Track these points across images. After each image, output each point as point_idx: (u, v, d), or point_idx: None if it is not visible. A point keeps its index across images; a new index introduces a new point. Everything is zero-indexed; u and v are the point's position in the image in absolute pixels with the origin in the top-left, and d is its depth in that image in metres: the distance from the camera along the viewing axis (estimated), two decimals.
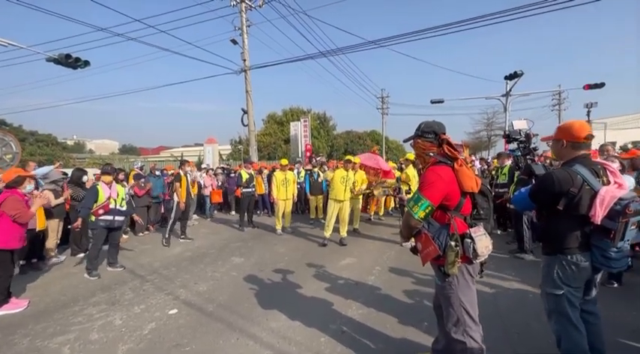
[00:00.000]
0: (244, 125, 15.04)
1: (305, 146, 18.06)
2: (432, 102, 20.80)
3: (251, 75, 14.58)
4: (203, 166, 12.69)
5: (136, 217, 5.83)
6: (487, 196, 1.92)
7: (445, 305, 1.88)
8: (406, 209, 1.85)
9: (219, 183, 10.41)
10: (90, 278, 4.44)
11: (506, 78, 17.66)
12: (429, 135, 1.93)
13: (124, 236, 6.56)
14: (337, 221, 6.13)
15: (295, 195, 7.56)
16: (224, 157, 25.56)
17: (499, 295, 3.61)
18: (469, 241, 1.72)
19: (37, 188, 4.46)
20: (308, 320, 3.10)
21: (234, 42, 14.32)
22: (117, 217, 4.76)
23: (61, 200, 5.17)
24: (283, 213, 7.22)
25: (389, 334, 2.83)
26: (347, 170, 6.06)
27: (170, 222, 6.33)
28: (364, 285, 4.01)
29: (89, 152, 47.81)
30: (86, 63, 10.30)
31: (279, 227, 7.11)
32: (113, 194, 4.77)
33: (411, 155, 6.43)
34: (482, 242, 1.72)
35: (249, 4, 14.42)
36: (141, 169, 8.46)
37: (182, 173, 6.49)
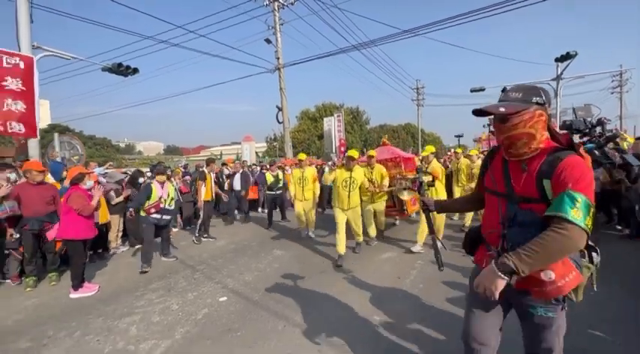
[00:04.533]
0: (279, 122, 15.35)
1: (339, 141, 18.04)
2: (472, 91, 19.68)
3: (284, 72, 14.84)
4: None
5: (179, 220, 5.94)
6: None
7: (544, 344, 1.39)
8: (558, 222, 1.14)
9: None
10: (142, 270, 4.64)
11: (557, 60, 16.20)
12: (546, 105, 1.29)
13: (174, 230, 7.01)
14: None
15: (317, 195, 6.45)
16: (260, 155, 26.37)
17: None
18: (596, 255, 1.34)
19: (97, 183, 4.93)
20: (348, 313, 3.14)
21: (267, 41, 14.62)
22: (164, 216, 4.98)
23: (120, 198, 5.70)
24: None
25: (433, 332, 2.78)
26: (349, 170, 4.74)
27: (199, 221, 6.37)
28: (403, 282, 3.96)
29: (138, 153, 51.73)
30: (135, 70, 11.09)
31: (302, 227, 6.39)
32: (164, 194, 4.96)
33: (431, 148, 5.32)
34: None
35: (282, 2, 14.62)
36: (185, 167, 9.03)
37: (207, 172, 6.46)
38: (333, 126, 18.52)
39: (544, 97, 1.27)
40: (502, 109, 1.26)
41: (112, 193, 5.66)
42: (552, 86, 17.91)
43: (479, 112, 1.36)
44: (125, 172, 6.43)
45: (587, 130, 2.43)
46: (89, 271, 4.59)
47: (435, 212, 1.86)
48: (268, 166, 9.82)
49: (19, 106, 5.51)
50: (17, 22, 5.93)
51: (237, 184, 8.36)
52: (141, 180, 6.24)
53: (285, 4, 14.74)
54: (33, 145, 6.03)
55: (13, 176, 4.50)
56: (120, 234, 6.03)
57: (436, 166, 5.04)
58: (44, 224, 4.15)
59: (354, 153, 4.85)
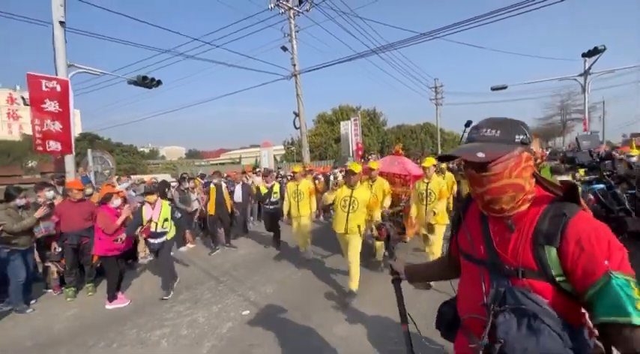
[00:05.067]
0: (296, 128, 15.56)
1: (356, 145, 18.04)
2: (493, 89, 19.15)
3: (301, 78, 15.02)
4: (258, 169, 13.48)
5: (188, 235, 5.17)
6: None
7: None
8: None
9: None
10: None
11: (584, 55, 15.53)
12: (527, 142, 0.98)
13: (190, 246, 6.76)
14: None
15: (314, 211, 5.71)
16: (278, 159, 26.77)
17: None
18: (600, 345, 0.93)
19: (125, 201, 5.19)
20: (369, 328, 3.21)
21: (284, 49, 14.86)
22: (153, 240, 4.45)
23: None
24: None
25: None
26: (351, 187, 4.08)
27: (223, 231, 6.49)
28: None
29: (161, 158, 53.64)
30: (159, 82, 11.61)
31: (302, 249, 5.75)
32: (155, 216, 4.41)
33: (431, 160, 4.50)
34: None
35: (297, 9, 14.82)
36: (202, 177, 9.25)
37: (212, 184, 6.51)
38: (349, 130, 18.55)
39: (528, 134, 0.95)
40: (481, 155, 0.89)
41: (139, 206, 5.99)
42: (580, 82, 17.16)
43: (446, 158, 1.05)
44: (154, 180, 6.76)
45: (595, 165, 1.94)
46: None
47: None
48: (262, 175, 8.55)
49: (57, 126, 5.94)
50: (54, 47, 6.38)
51: (238, 196, 7.55)
52: (167, 193, 6.55)
53: (301, 11, 14.93)
54: (69, 161, 6.46)
55: (51, 194, 4.87)
56: None
57: (437, 183, 4.37)
58: (82, 239, 4.49)
59: (355, 167, 4.17)
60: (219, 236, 6.75)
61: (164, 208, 4.51)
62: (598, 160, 1.91)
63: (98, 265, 4.70)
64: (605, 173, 1.91)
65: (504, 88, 18.83)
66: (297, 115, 15.24)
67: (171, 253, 4.88)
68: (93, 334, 3.47)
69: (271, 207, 6.43)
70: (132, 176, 11.32)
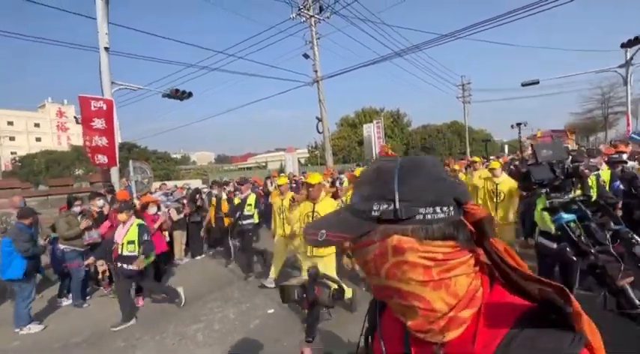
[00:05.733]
0: (319, 132, 15.89)
1: (379, 148, 18.07)
2: (524, 85, 18.44)
3: (323, 84, 15.36)
4: (282, 174, 13.95)
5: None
6: None
7: None
8: None
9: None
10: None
11: (623, 46, 14.61)
12: (442, 211, 0.47)
13: (185, 259, 6.76)
14: None
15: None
16: (302, 162, 27.31)
17: None
18: None
19: (159, 208, 5.75)
20: None
21: (305, 56, 15.27)
22: (122, 264, 3.98)
23: (181, 215, 6.58)
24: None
25: None
26: (313, 201, 3.59)
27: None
28: None
29: (192, 163, 56.22)
30: (190, 94, 12.45)
31: (272, 276, 4.72)
32: (118, 238, 4.04)
33: (495, 163, 4.68)
34: None
35: (318, 17, 15.19)
36: (226, 184, 9.74)
37: (214, 194, 6.65)
38: (372, 132, 18.62)
39: (409, 199, 0.47)
40: (321, 232, 0.50)
41: (174, 211, 6.54)
42: (621, 74, 16.11)
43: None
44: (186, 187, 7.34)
45: (557, 184, 1.52)
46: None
47: None
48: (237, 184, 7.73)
49: (103, 141, 6.64)
50: (100, 70, 7.14)
51: None
52: (198, 200, 7.09)
53: (322, 18, 15.29)
54: (114, 172, 7.19)
55: (101, 202, 5.50)
56: (183, 247, 6.91)
57: (507, 182, 4.50)
58: None
59: (313, 178, 3.65)
60: (233, 247, 6.26)
61: (132, 229, 4.05)
62: (562, 177, 1.58)
63: None
64: (577, 197, 1.49)
65: (536, 83, 18.08)
66: (319, 120, 15.57)
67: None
68: (140, 327, 3.95)
69: (244, 222, 5.36)
70: (167, 183, 12.25)
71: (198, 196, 7.25)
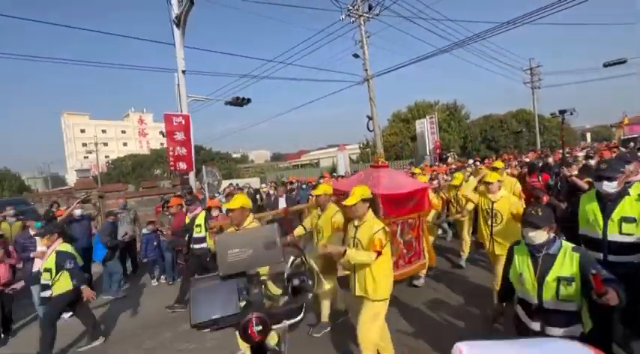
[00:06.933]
0: (370, 130, 16.00)
1: (434, 143, 17.51)
2: (606, 65, 16.32)
3: (373, 82, 15.41)
4: (334, 174, 14.39)
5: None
6: None
7: None
8: None
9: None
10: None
11: None
12: None
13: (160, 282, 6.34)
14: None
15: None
16: (354, 160, 27.50)
17: None
18: None
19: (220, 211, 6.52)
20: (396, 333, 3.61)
21: (355, 56, 15.46)
22: (42, 292, 3.49)
23: None
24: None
25: None
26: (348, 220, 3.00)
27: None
28: None
29: (251, 162, 59.99)
30: (249, 100, 13.66)
31: (324, 318, 3.65)
32: (37, 264, 3.58)
33: (499, 163, 4.48)
34: None
35: (368, 15, 15.23)
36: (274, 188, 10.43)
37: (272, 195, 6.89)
38: (425, 128, 18.11)
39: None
40: None
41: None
42: None
43: None
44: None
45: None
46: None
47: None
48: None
49: (183, 151, 7.80)
50: (179, 91, 8.34)
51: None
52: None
53: (370, 16, 15.29)
54: (191, 177, 8.38)
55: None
56: None
57: (506, 202, 3.45)
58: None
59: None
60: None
61: (51, 256, 3.45)
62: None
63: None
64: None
65: (623, 62, 15.89)
66: (370, 118, 15.67)
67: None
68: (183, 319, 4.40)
69: (196, 247, 4.51)
70: (232, 182, 13.59)
71: (258, 196, 8.06)
